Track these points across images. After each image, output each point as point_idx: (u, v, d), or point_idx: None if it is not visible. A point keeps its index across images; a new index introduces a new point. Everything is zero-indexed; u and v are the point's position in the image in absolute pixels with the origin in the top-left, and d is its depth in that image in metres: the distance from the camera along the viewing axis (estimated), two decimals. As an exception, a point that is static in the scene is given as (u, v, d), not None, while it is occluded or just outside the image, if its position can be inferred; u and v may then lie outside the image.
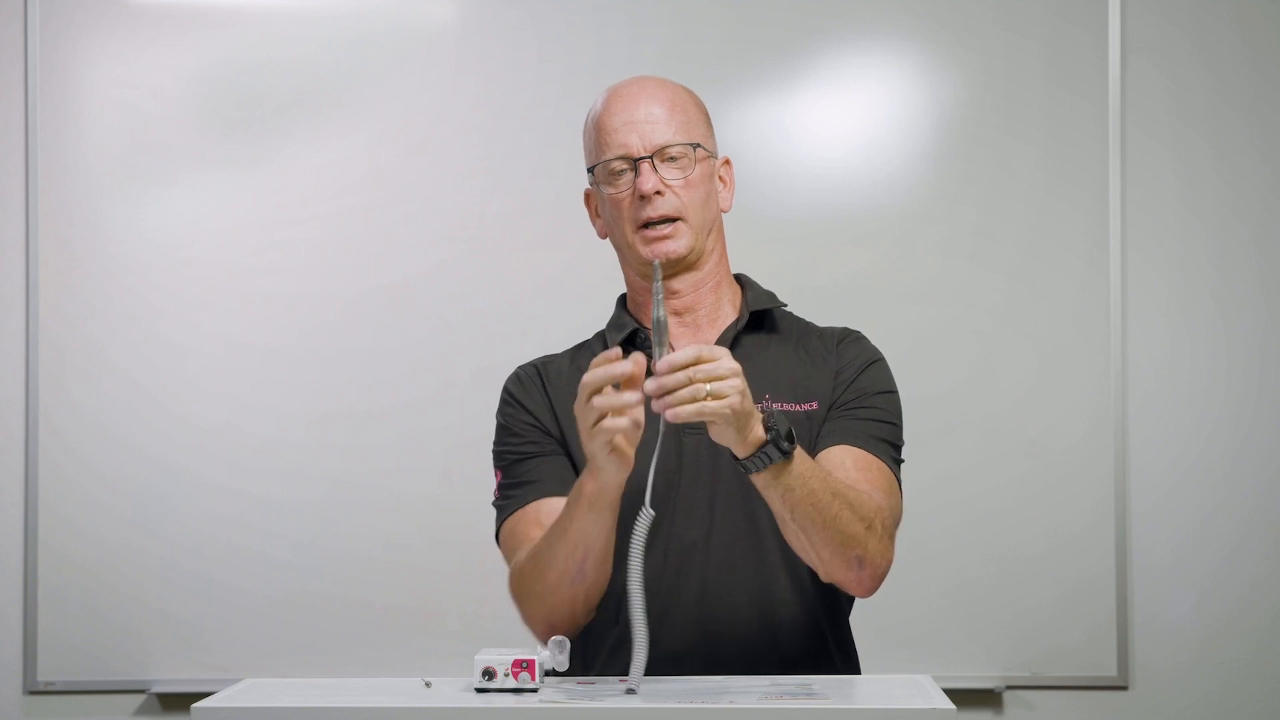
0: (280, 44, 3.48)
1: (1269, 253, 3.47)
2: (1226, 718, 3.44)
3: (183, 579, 3.43)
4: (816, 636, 2.12)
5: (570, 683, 1.86)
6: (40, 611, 3.44)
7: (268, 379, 3.45)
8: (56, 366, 3.45)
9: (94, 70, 3.49)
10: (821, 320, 2.26)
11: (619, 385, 1.86)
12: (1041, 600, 3.40)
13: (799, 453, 1.89)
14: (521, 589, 2.07)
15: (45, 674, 3.44)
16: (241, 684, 1.88)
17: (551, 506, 2.08)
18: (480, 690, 1.78)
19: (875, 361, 2.18)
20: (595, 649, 2.08)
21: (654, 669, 1.90)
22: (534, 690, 1.78)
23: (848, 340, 2.20)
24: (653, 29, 3.44)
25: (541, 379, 2.20)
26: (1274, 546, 3.45)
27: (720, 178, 2.20)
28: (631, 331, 2.19)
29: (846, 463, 2.05)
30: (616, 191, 2.14)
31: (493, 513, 2.20)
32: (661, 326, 1.88)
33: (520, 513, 2.14)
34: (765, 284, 2.25)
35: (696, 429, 2.04)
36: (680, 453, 2.09)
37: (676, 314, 2.16)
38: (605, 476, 1.91)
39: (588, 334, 2.27)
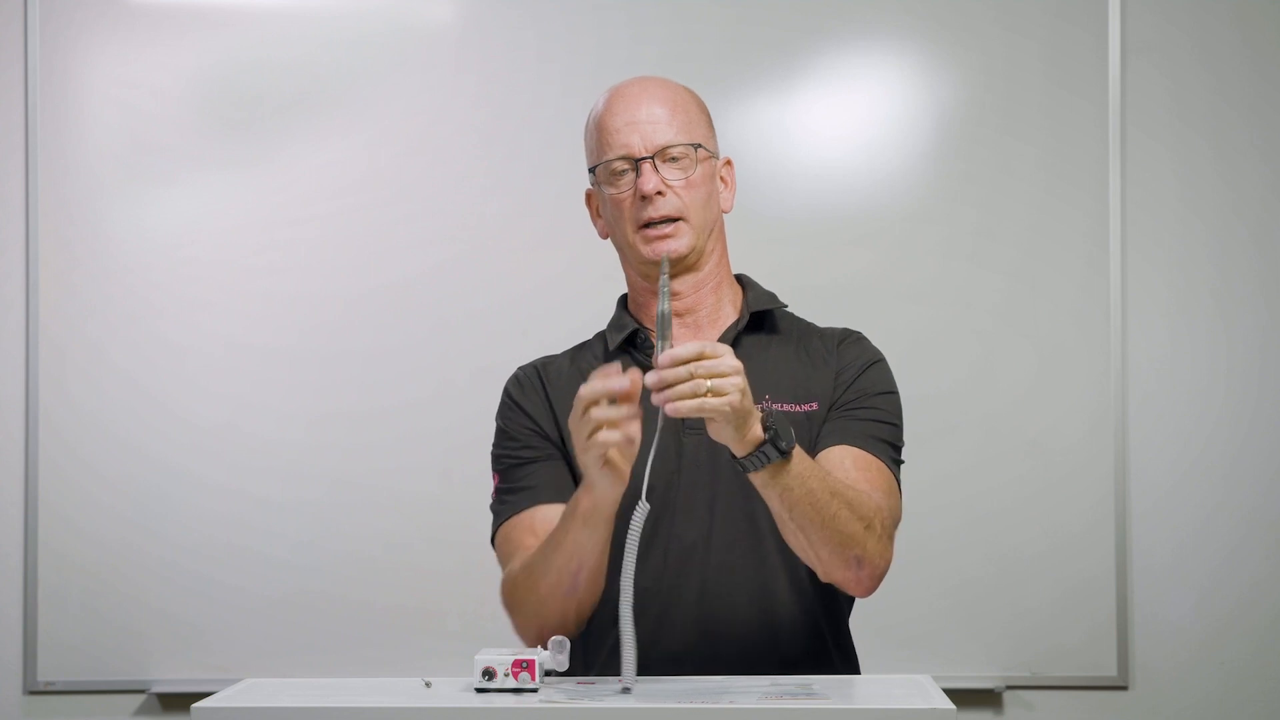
0: (280, 44, 3.48)
1: (1269, 253, 3.47)
2: (1226, 718, 3.44)
3: (183, 579, 3.43)
4: (816, 637, 2.12)
5: (570, 683, 1.86)
6: (40, 611, 3.44)
7: (268, 379, 3.45)
8: (56, 366, 3.45)
9: (94, 70, 3.49)
10: (822, 320, 2.26)
11: (614, 399, 1.86)
12: (1041, 600, 3.40)
13: (797, 452, 1.89)
14: (513, 599, 2.08)
15: (45, 674, 3.44)
16: (241, 684, 1.88)
17: (546, 514, 2.09)
18: (480, 690, 1.78)
19: (876, 362, 2.18)
20: (595, 650, 2.08)
21: (654, 669, 1.91)
22: (534, 690, 1.78)
23: (848, 341, 2.20)
24: (653, 29, 3.44)
25: (541, 381, 2.20)
26: (1274, 546, 3.45)
27: (721, 178, 2.20)
28: (631, 332, 2.19)
29: (846, 463, 2.05)
30: (618, 192, 2.14)
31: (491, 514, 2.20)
32: (665, 320, 1.89)
33: (515, 519, 2.14)
34: (765, 284, 2.25)
35: (696, 429, 2.04)
36: (680, 453, 2.09)
37: (677, 315, 2.16)
38: (599, 491, 1.92)
39: (588, 334, 2.27)
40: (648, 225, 2.11)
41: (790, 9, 3.45)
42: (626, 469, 1.90)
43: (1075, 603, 3.40)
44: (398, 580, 3.42)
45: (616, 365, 1.89)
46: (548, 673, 1.81)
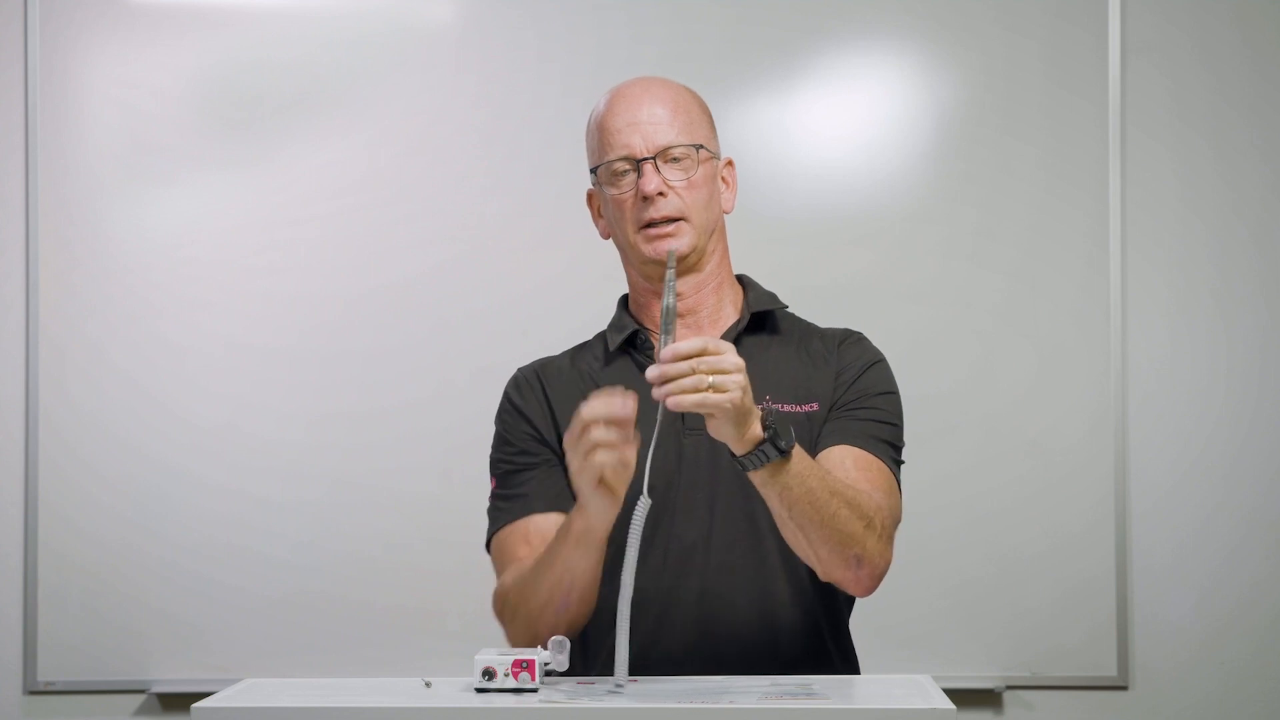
0: (280, 44, 3.48)
1: (1269, 253, 3.47)
2: (1226, 718, 3.44)
3: (183, 579, 3.43)
4: (816, 637, 2.12)
5: (570, 683, 1.86)
6: (40, 611, 3.44)
7: (268, 379, 3.45)
8: (56, 366, 3.45)
9: (94, 70, 3.49)
10: (822, 320, 2.26)
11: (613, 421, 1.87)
12: (1041, 600, 3.40)
13: (797, 451, 1.89)
14: (505, 612, 2.09)
15: (45, 674, 3.44)
16: (241, 684, 1.88)
17: (540, 524, 2.10)
18: (480, 690, 1.78)
19: (876, 363, 2.18)
20: (595, 650, 2.08)
21: (653, 669, 1.91)
22: (534, 690, 1.78)
23: (849, 341, 2.20)
24: (653, 29, 3.44)
25: (541, 383, 2.20)
26: (1274, 546, 3.45)
27: (723, 179, 2.20)
28: (632, 332, 2.19)
29: (846, 462, 2.05)
30: (619, 192, 2.13)
31: (490, 515, 2.21)
32: (670, 315, 1.89)
33: (509, 528, 2.14)
34: (766, 284, 2.25)
35: (696, 429, 2.04)
36: (680, 454, 2.09)
37: (678, 315, 2.16)
38: (592, 513, 1.92)
39: (588, 334, 2.27)
40: (649, 225, 2.11)
41: (790, 9, 3.45)
42: (621, 492, 1.90)
43: (1075, 603, 3.40)
44: (398, 580, 3.42)
45: (619, 388, 1.89)
46: (548, 673, 1.81)
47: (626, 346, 2.19)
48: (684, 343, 1.82)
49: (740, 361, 1.83)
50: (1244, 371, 3.46)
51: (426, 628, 3.39)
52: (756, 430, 1.85)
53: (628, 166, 2.12)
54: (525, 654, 1.79)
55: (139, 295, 3.46)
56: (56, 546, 3.44)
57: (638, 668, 1.89)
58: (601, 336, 2.24)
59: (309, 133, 3.48)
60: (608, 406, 1.87)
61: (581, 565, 1.97)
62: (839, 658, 2.15)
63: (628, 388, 2.13)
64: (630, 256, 2.17)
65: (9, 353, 3.47)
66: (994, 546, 3.40)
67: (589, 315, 2.32)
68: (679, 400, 1.80)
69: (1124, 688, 3.42)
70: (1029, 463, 3.41)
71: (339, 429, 3.44)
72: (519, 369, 2.25)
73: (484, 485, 2.23)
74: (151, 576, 3.43)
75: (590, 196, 2.22)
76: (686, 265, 2.14)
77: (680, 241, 2.11)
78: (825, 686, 1.84)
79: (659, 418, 1.87)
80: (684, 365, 1.81)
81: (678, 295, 2.14)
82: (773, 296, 2.23)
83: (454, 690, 1.81)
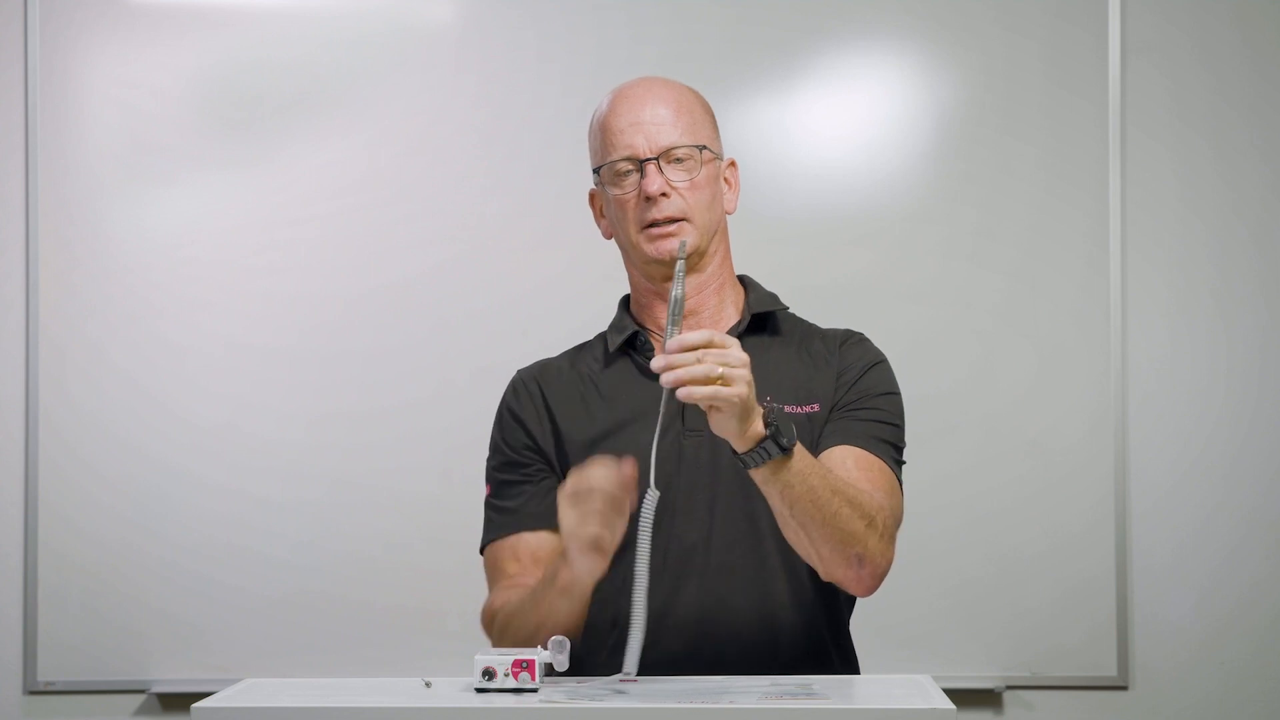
0: (280, 44, 3.48)
1: (1269, 253, 3.47)
2: (1226, 718, 3.44)
3: (183, 579, 3.43)
4: (816, 638, 2.12)
5: (570, 683, 1.86)
6: (40, 611, 3.44)
7: (268, 379, 3.45)
8: (56, 366, 3.45)
9: (94, 70, 3.49)
10: (822, 321, 2.26)
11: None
12: (1041, 600, 3.40)
13: (798, 449, 1.89)
14: (492, 634, 2.10)
15: (45, 674, 3.44)
16: (241, 684, 1.88)
17: (529, 542, 2.12)
18: (480, 690, 1.78)
19: (878, 363, 2.18)
20: (594, 650, 2.07)
21: (653, 669, 1.91)
22: (534, 690, 1.78)
23: (850, 342, 2.20)
24: (653, 29, 3.44)
25: (540, 387, 2.20)
26: (1274, 546, 3.45)
27: (725, 179, 2.19)
28: (631, 334, 2.19)
29: (848, 462, 2.05)
30: (622, 193, 2.13)
31: (489, 516, 2.22)
32: (678, 305, 1.89)
33: (501, 543, 2.16)
34: (766, 284, 2.25)
35: (696, 430, 2.04)
36: (680, 455, 2.09)
37: (681, 315, 2.17)
38: (579, 571, 1.94)
39: (588, 334, 2.27)
40: (652, 226, 2.11)
41: (790, 9, 3.45)
42: (610, 554, 1.92)
43: (1075, 603, 3.40)
44: (398, 580, 3.42)
45: (630, 462, 1.91)
46: (548, 673, 1.81)
47: (626, 348, 2.19)
48: (690, 334, 1.82)
49: (745, 357, 1.83)
50: (1244, 371, 3.46)
51: (426, 628, 3.39)
52: (758, 427, 1.85)
53: (631, 167, 2.12)
54: (525, 654, 1.79)
55: (139, 295, 3.46)
56: (56, 546, 3.44)
57: (639, 668, 1.89)
58: (602, 337, 2.24)
59: (309, 133, 3.48)
60: (608, 478, 1.89)
61: (565, 611, 1.99)
62: (839, 658, 2.15)
63: (627, 389, 2.15)
64: (633, 257, 2.17)
65: (9, 353, 3.47)
66: (994, 546, 3.40)
67: (589, 315, 2.32)
68: (691, 392, 1.80)
69: (1124, 688, 3.42)
70: (1029, 463, 3.41)
71: (339, 429, 3.44)
72: (518, 372, 2.25)
73: (484, 485, 2.23)
74: (151, 576, 3.43)
75: (593, 196, 2.22)
76: (688, 266, 2.14)
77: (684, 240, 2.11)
78: (825, 686, 1.84)
79: (662, 409, 1.87)
80: (689, 356, 1.81)
81: (681, 295, 2.15)
82: (774, 297, 2.23)
83: (454, 690, 1.81)
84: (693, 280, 2.15)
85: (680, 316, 1.89)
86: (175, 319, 3.46)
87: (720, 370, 1.80)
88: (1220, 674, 3.44)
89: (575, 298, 3.27)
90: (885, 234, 3.44)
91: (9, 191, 3.48)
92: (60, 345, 3.45)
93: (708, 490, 2.09)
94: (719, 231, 2.18)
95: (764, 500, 1.94)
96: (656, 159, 2.11)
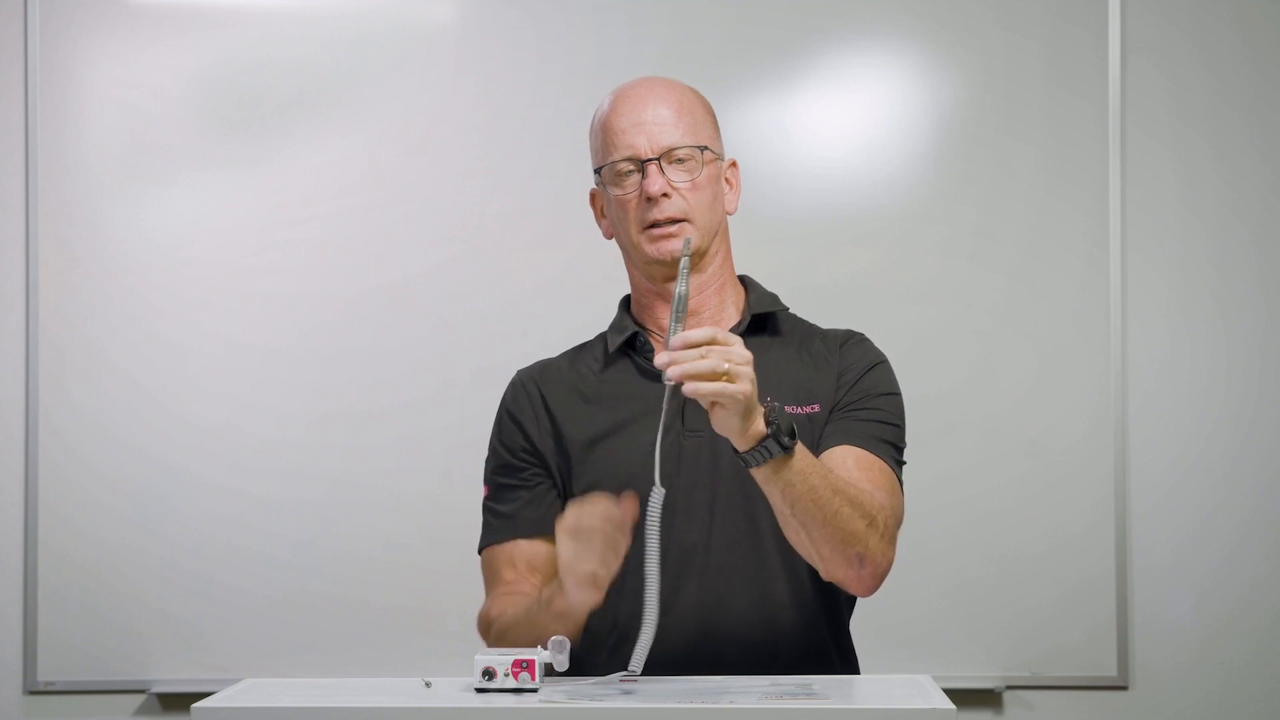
0: (280, 44, 3.48)
1: (1269, 253, 3.47)
2: (1226, 718, 3.44)
3: (183, 579, 3.43)
4: (816, 638, 2.12)
5: (570, 682, 1.86)
6: (40, 611, 3.44)
7: (268, 379, 3.45)
8: (56, 366, 3.45)
9: (94, 70, 3.49)
10: (822, 321, 2.26)
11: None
12: (1041, 600, 3.40)
13: (800, 448, 1.88)
14: (488, 639, 2.11)
15: (45, 674, 3.44)
16: (241, 684, 1.88)
17: (525, 550, 2.14)
18: (480, 690, 1.78)
19: (879, 364, 2.18)
20: (594, 650, 2.08)
21: (653, 670, 1.90)
22: (534, 690, 1.78)
23: (851, 342, 2.20)
24: (653, 29, 3.44)
25: (539, 388, 2.20)
26: (1274, 546, 3.45)
27: (727, 179, 2.19)
28: (631, 334, 2.19)
29: (849, 463, 2.05)
30: (623, 193, 2.13)
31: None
32: (682, 302, 1.89)
33: (497, 548, 2.18)
34: (766, 284, 2.24)
35: (696, 430, 2.04)
36: (680, 455, 2.09)
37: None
38: (574, 602, 1.94)
39: (588, 334, 2.27)
40: (653, 226, 2.11)
41: (790, 9, 3.45)
42: (605, 588, 1.93)
43: (1075, 603, 3.40)
44: (398, 580, 3.42)
45: (630, 498, 1.91)
46: (548, 673, 1.81)
47: (626, 348, 2.19)
48: (694, 331, 1.82)
49: (749, 354, 1.83)
50: (1244, 371, 3.46)
51: (426, 628, 3.38)
52: (760, 426, 1.85)
53: (632, 167, 2.12)
54: (525, 654, 1.80)
55: (139, 295, 3.46)
56: (56, 546, 3.44)
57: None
58: (602, 337, 2.24)
59: (309, 133, 3.48)
60: (607, 516, 1.91)
61: (559, 632, 1.98)
62: (839, 659, 2.15)
63: (627, 389, 2.15)
64: (634, 257, 2.17)
65: (9, 353, 3.47)
66: (994, 546, 3.40)
67: (589, 315, 2.32)
68: (697, 387, 1.79)
69: (1124, 688, 3.42)
70: (1029, 463, 3.41)
71: (339, 429, 3.44)
72: (517, 373, 2.25)
73: (482, 486, 2.23)
74: (151, 576, 3.43)
75: (594, 196, 2.22)
76: (690, 265, 2.13)
77: (682, 241, 2.10)
78: (825, 686, 1.84)
79: (665, 407, 1.87)
80: (695, 353, 1.80)
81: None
82: (774, 298, 2.22)
83: (454, 690, 1.81)
84: (694, 280, 2.15)
85: (684, 313, 1.89)
86: (175, 319, 3.46)
87: (726, 366, 1.79)
88: (1220, 674, 3.44)
89: (575, 298, 3.27)
90: (885, 234, 3.44)
91: (9, 191, 3.48)
92: (60, 345, 3.45)
93: (708, 490, 2.09)
94: (720, 232, 2.18)
95: (764, 500, 1.94)
96: (658, 159, 2.11)
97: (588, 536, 1.92)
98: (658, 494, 1.86)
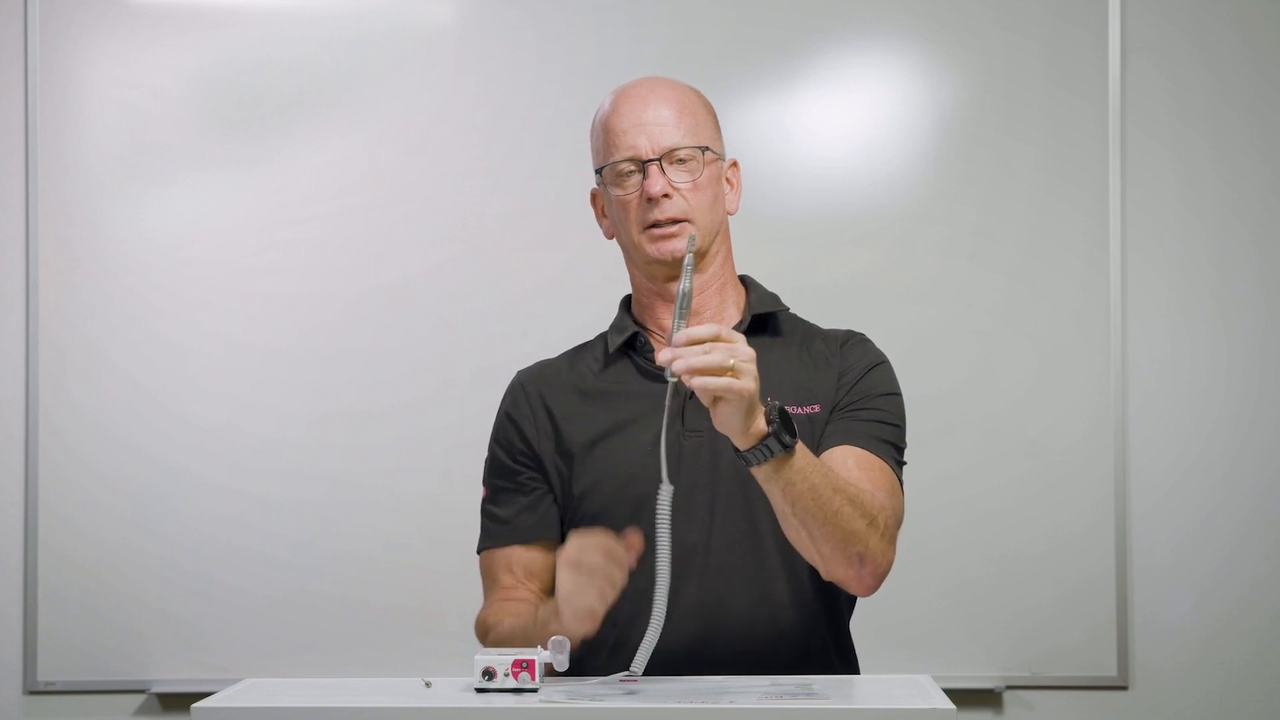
0: (280, 44, 3.48)
1: (1269, 253, 3.47)
2: (1226, 718, 3.44)
3: (183, 579, 3.43)
4: (816, 638, 2.12)
5: (570, 682, 1.86)
6: (40, 611, 3.44)
7: (268, 379, 3.45)
8: (56, 366, 3.45)
9: (94, 70, 3.49)
10: (823, 321, 2.26)
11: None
12: (1041, 600, 3.40)
13: (800, 447, 1.88)
14: (485, 645, 2.12)
15: (45, 674, 3.44)
16: (241, 684, 1.88)
17: (522, 556, 2.16)
18: (480, 690, 1.78)
19: (879, 364, 2.18)
20: (595, 651, 2.07)
21: (653, 670, 1.90)
22: (534, 690, 1.78)
23: (852, 342, 2.20)
24: (653, 29, 3.44)
25: (539, 389, 2.20)
26: (1274, 546, 3.45)
27: (728, 180, 2.19)
28: (631, 335, 2.19)
29: (849, 463, 2.05)
30: (624, 193, 2.13)
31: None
32: (686, 299, 1.89)
33: (495, 553, 2.19)
34: (766, 284, 2.24)
35: (696, 430, 2.04)
36: (679, 455, 2.09)
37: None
38: (569, 628, 1.94)
39: (588, 334, 2.27)
40: (654, 226, 2.11)
41: (790, 9, 3.45)
42: (600, 619, 1.93)
43: (1075, 603, 3.40)
44: (398, 580, 3.42)
45: (639, 537, 1.92)
46: (548, 673, 1.81)
47: (626, 348, 2.19)
48: (697, 329, 1.81)
49: (752, 352, 1.82)
50: (1244, 371, 3.46)
51: (426, 628, 3.38)
52: (761, 424, 1.85)
53: (633, 168, 2.12)
54: (525, 654, 1.80)
55: (139, 295, 3.46)
56: (56, 546, 3.44)
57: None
58: (602, 338, 2.24)
59: (309, 133, 3.48)
60: (610, 555, 1.91)
61: None
62: (839, 659, 2.15)
63: (627, 389, 2.15)
64: (634, 257, 2.17)
65: (9, 353, 3.47)
66: (994, 546, 3.40)
67: (589, 315, 2.32)
68: (706, 382, 1.79)
69: (1124, 688, 3.42)
70: (1029, 463, 3.41)
71: (339, 429, 3.44)
72: (517, 373, 2.25)
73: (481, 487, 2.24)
74: (151, 576, 3.43)
75: (594, 196, 2.22)
76: (691, 266, 2.14)
77: (684, 240, 2.10)
78: (825, 686, 1.84)
79: (668, 404, 1.87)
80: (700, 349, 1.80)
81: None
82: (775, 298, 2.22)
83: (454, 690, 1.81)
84: (695, 279, 2.15)
85: (687, 310, 1.89)
86: (175, 319, 3.46)
87: (732, 362, 1.79)
88: (1220, 674, 3.44)
89: (575, 298, 3.27)
90: (885, 234, 3.44)
91: (9, 191, 3.48)
92: (60, 345, 3.45)
93: (708, 491, 2.09)
94: (721, 232, 2.18)
95: (764, 501, 1.94)
96: (659, 160, 2.11)
97: (589, 572, 1.92)
98: (666, 490, 1.85)
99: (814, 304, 2.33)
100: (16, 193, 3.48)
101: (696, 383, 1.79)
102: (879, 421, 2.11)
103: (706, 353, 1.79)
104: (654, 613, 1.84)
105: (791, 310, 2.24)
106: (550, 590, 2.18)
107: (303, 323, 3.46)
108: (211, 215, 3.47)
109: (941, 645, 3.40)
